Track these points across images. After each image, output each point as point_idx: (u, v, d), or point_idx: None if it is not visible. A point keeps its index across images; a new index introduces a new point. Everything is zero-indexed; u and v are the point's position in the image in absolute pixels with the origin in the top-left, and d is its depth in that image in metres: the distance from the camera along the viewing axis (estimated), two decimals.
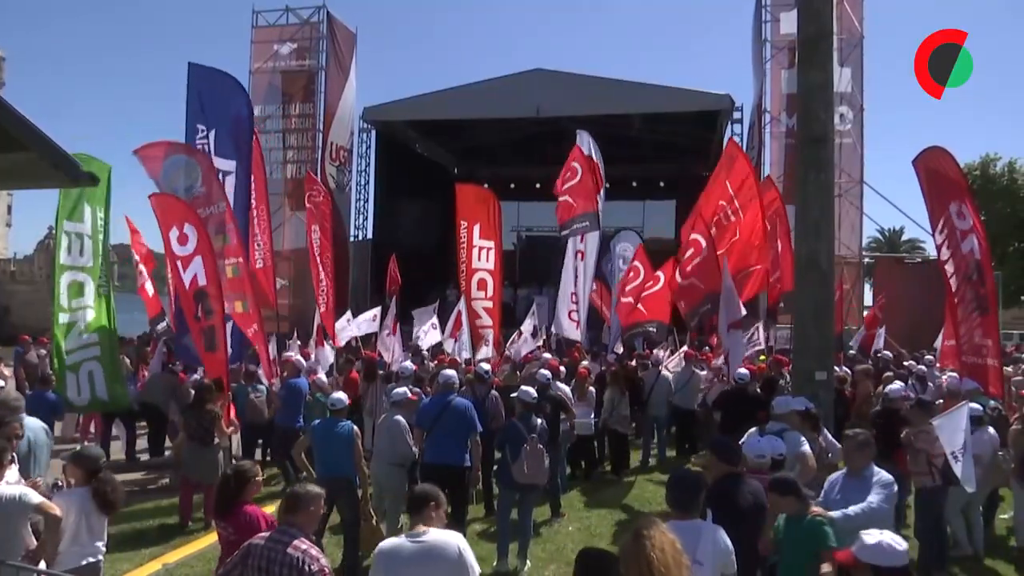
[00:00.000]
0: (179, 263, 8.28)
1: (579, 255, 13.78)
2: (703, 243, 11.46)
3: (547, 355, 12.51)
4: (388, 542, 3.81)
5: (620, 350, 13.57)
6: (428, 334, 14.60)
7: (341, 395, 7.09)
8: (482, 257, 13.43)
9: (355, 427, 6.77)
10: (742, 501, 4.22)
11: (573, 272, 13.85)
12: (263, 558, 3.56)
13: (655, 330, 12.93)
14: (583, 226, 13.22)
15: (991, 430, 7.13)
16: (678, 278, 12.03)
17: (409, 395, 7.35)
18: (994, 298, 8.30)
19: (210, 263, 8.19)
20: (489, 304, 13.27)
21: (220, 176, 8.91)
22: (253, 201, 10.39)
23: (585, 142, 13.97)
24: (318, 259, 13.55)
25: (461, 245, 13.49)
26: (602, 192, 15.69)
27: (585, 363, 11.85)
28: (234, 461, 8.13)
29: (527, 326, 14.92)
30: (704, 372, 12.01)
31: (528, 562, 6.85)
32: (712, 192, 12.33)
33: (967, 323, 8.59)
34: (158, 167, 8.63)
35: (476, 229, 13.44)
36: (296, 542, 3.57)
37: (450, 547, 3.63)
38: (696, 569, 3.37)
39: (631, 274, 14.05)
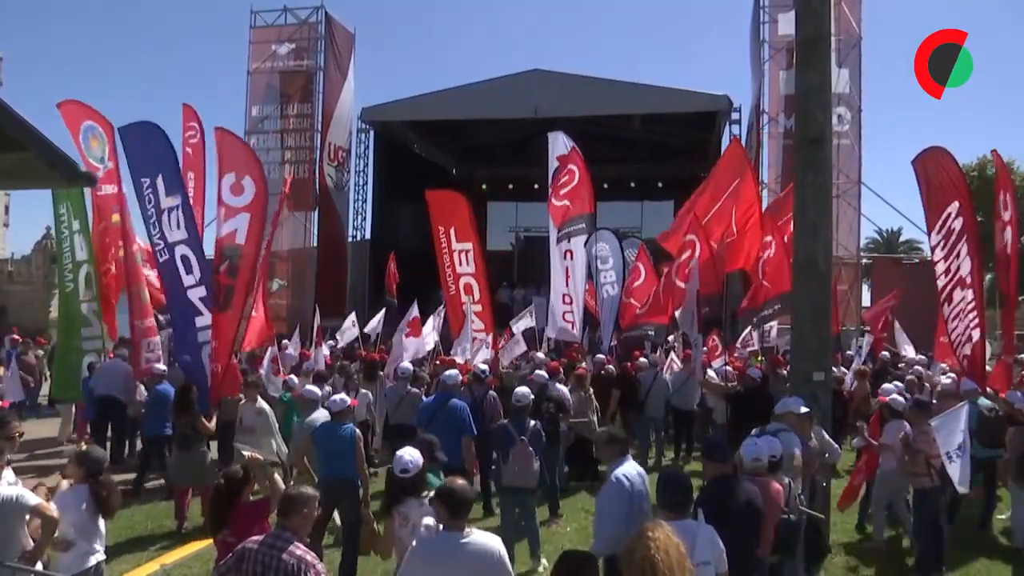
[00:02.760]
0: (222, 210, 8.01)
1: (568, 255, 13.74)
2: (698, 244, 11.48)
3: (540, 355, 12.53)
4: (431, 540, 3.78)
5: (613, 344, 13.60)
6: (428, 335, 14.62)
7: (343, 396, 7.04)
8: (463, 261, 13.35)
9: (357, 429, 6.74)
10: (736, 502, 4.21)
11: (564, 273, 13.80)
12: (258, 563, 3.50)
13: (653, 332, 12.94)
14: (579, 228, 13.19)
15: (907, 424, 7.21)
16: (675, 280, 12.06)
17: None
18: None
19: (256, 225, 7.91)
20: (479, 308, 13.20)
21: (167, 212, 8.86)
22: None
23: (560, 142, 13.93)
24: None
25: (442, 251, 13.44)
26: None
27: (584, 363, 11.85)
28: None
29: (519, 326, 14.89)
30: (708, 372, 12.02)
31: (544, 560, 6.77)
32: (715, 193, 12.34)
33: (960, 322, 8.63)
34: (77, 126, 8.50)
35: (452, 233, 13.37)
36: (291, 547, 3.52)
37: (493, 549, 3.66)
38: (705, 569, 3.38)
39: (632, 274, 14.07)
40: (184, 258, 8.75)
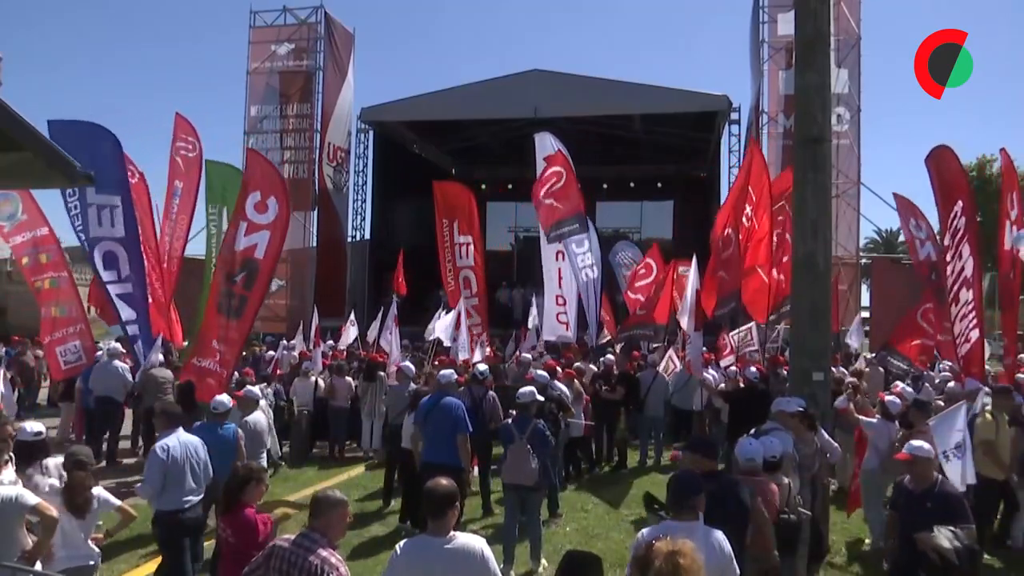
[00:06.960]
0: (244, 225, 8.35)
1: (559, 256, 13.72)
2: (733, 239, 11.46)
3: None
4: (412, 541, 3.77)
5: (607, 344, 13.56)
6: (433, 330, 14.63)
7: (224, 398, 7.05)
8: (463, 254, 13.38)
9: (239, 430, 6.93)
10: (727, 502, 4.20)
11: (556, 274, 13.77)
12: (285, 561, 3.58)
13: (652, 333, 12.91)
14: (572, 228, 13.17)
15: (895, 424, 7.32)
16: (720, 272, 11.95)
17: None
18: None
19: (275, 243, 8.28)
20: (475, 301, 13.19)
21: (108, 210, 9.10)
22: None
23: (548, 143, 13.93)
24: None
25: (444, 244, 13.45)
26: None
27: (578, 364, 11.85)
28: None
29: (531, 326, 14.85)
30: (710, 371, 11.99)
31: (544, 562, 6.76)
32: (740, 191, 12.31)
33: (961, 322, 8.65)
34: None
35: (455, 226, 13.42)
36: (318, 549, 3.59)
37: (476, 550, 3.64)
38: None
39: (642, 270, 14.02)
40: (108, 254, 9.12)
